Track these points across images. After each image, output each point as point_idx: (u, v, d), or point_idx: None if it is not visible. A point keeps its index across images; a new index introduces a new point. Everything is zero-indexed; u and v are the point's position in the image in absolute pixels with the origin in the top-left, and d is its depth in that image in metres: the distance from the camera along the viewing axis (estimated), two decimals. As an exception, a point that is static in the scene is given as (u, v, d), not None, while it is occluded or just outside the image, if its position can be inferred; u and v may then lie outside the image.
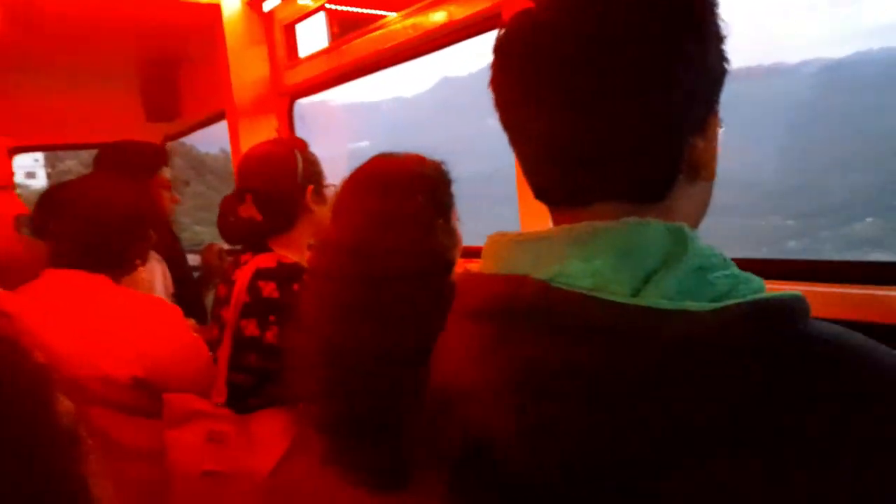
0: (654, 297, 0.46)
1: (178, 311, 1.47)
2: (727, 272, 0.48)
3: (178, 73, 3.04)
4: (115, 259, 1.44)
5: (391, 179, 1.01)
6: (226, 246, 2.50)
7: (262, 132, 2.31)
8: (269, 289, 1.32)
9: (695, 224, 0.56)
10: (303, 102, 2.41)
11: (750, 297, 0.45)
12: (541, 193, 0.58)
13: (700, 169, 0.54)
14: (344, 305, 0.94)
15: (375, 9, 2.03)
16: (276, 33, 2.29)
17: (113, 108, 3.17)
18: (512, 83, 0.55)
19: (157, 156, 2.24)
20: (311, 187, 1.44)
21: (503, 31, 0.55)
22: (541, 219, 1.32)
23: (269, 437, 1.25)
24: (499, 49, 0.56)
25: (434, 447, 0.64)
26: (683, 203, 0.54)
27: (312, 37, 2.20)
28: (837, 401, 0.42)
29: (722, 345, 0.43)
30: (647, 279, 0.47)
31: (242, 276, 1.37)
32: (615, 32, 0.49)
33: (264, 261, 1.38)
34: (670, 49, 0.49)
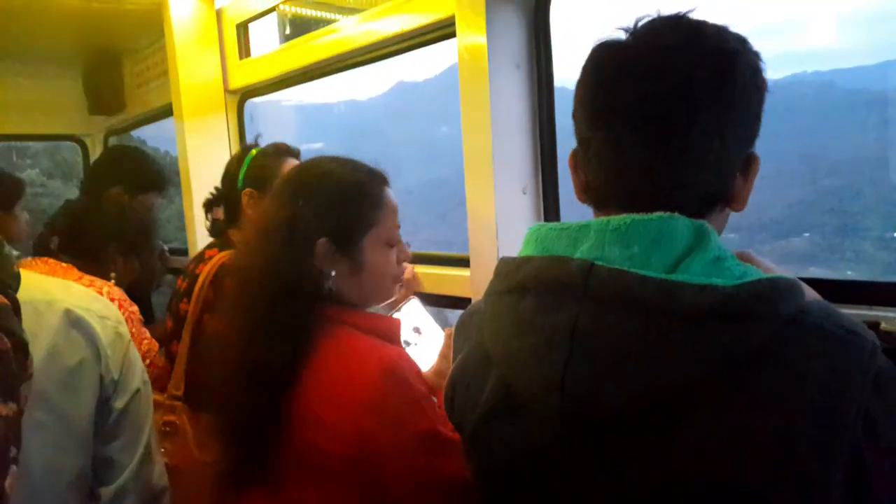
0: (685, 276, 0.56)
1: (134, 305, 1.52)
2: (736, 262, 0.60)
3: (124, 63, 2.94)
4: (89, 253, 1.57)
5: (294, 188, 0.99)
6: (166, 246, 2.45)
7: (210, 131, 2.27)
8: None
9: None
10: (254, 102, 2.38)
11: (762, 276, 0.56)
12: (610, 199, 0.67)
13: (735, 202, 0.67)
14: (230, 317, 0.96)
15: (330, 13, 2.04)
16: (226, 31, 2.25)
17: (53, 98, 3.03)
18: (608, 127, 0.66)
19: (160, 181, 2.27)
20: (248, 191, 1.46)
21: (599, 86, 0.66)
22: (485, 224, 1.35)
23: None
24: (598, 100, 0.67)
25: (469, 398, 0.73)
26: (711, 220, 0.65)
27: (265, 37, 2.18)
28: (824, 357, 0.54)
29: (743, 310, 0.54)
30: (676, 264, 0.58)
31: (206, 271, 1.36)
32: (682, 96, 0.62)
33: (231, 257, 1.37)
34: (726, 106, 0.62)
